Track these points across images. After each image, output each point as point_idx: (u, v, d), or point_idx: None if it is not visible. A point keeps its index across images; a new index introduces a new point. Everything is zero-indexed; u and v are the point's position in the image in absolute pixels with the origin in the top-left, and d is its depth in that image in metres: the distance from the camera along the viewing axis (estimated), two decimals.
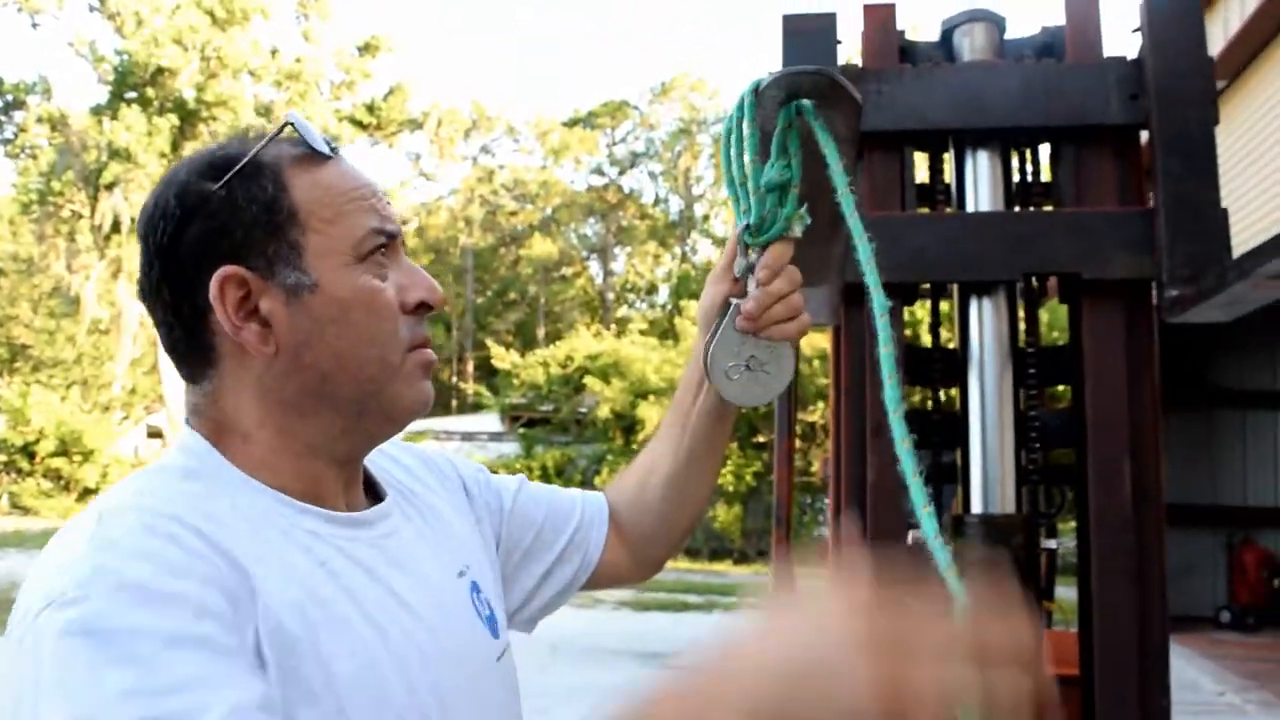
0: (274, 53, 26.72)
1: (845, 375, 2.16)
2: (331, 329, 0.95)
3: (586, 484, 22.84)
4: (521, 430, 24.93)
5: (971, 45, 2.29)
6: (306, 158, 0.98)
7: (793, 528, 2.75)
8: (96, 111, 25.23)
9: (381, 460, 1.14)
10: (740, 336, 1.12)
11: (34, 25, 26.15)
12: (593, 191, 48.28)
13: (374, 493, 1.09)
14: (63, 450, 24.63)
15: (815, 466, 15.39)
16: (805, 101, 1.07)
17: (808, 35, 2.21)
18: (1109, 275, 2.05)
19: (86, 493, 24.33)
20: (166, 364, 25.81)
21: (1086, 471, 2.09)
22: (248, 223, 0.94)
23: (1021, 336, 2.23)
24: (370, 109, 28.62)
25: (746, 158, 1.06)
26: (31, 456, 24.66)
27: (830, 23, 2.21)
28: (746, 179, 1.08)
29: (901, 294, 2.20)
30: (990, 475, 2.12)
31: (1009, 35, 2.35)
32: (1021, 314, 2.31)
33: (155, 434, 29.66)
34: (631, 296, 47.72)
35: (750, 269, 1.11)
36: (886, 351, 1.03)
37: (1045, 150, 2.34)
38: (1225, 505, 11.72)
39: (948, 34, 2.33)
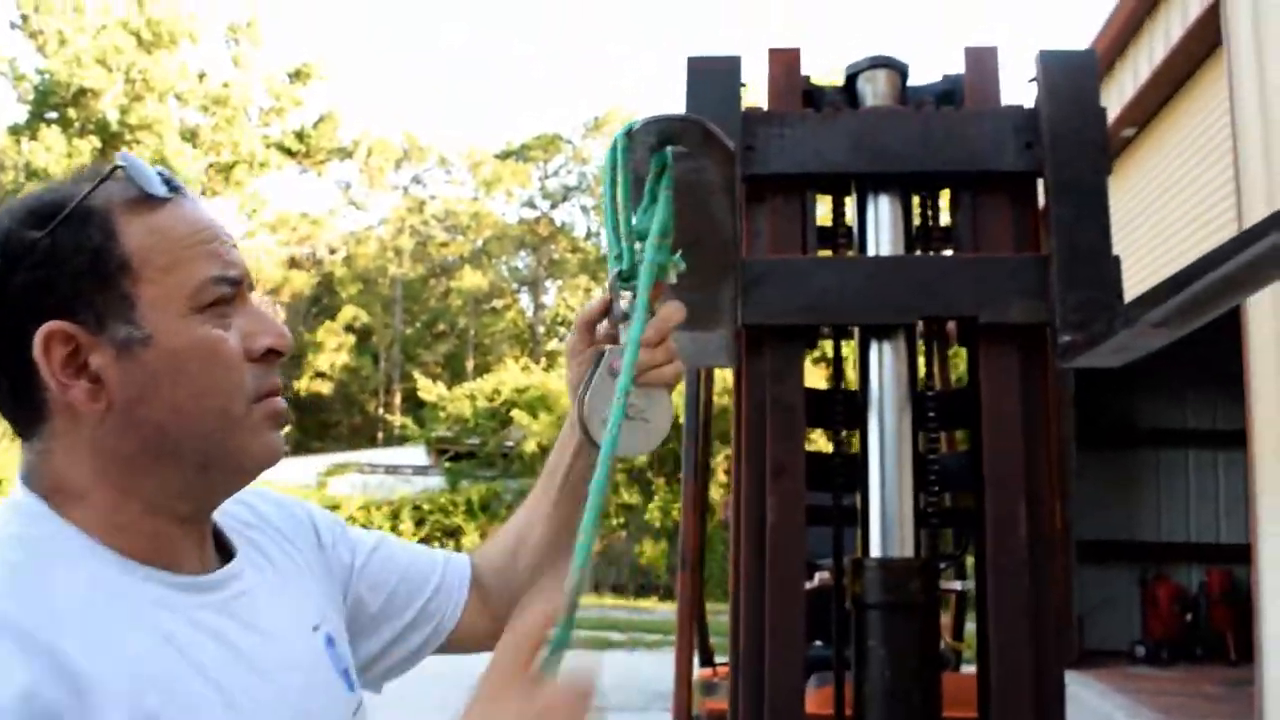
0: (201, 76, 26.35)
1: (746, 417, 2.15)
2: (167, 382, 0.91)
3: None
4: (447, 464, 24.67)
5: (874, 91, 2.31)
6: (141, 201, 0.94)
7: (700, 570, 2.72)
8: (15, 131, 24.62)
9: (234, 508, 1.09)
10: (612, 387, 1.09)
11: None
12: (524, 224, 48.26)
13: (224, 548, 1.04)
14: None
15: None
16: (669, 149, 1.05)
17: (712, 77, 2.21)
18: (1005, 320, 2.07)
19: None
20: None
21: (983, 517, 2.09)
22: (74, 274, 0.89)
23: (921, 380, 2.24)
24: (300, 136, 28.34)
25: (619, 202, 1.05)
26: None
27: (735, 65, 2.21)
28: (619, 223, 1.06)
29: (803, 336, 2.20)
30: (889, 518, 2.12)
31: (912, 82, 2.38)
32: (925, 357, 2.33)
33: None
34: (562, 330, 47.61)
35: (624, 316, 1.09)
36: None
37: (946, 195, 2.37)
38: (1141, 541, 12.01)
39: (851, 79, 2.35)
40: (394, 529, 23.02)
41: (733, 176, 1.09)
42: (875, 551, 2.12)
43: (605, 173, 1.06)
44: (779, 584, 2.06)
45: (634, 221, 1.06)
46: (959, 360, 2.64)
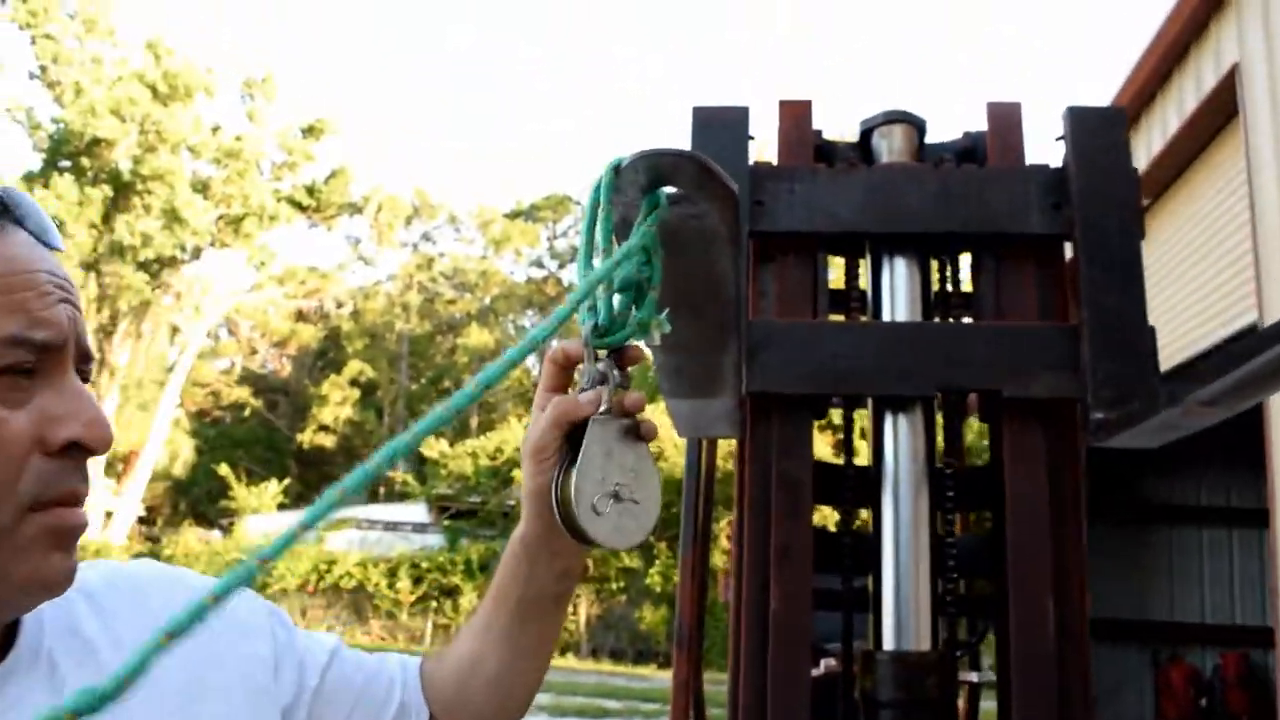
0: (215, 130, 26.55)
1: (749, 492, 1.98)
2: None
3: None
4: (447, 522, 24.38)
5: (890, 147, 2.18)
6: None
7: (698, 647, 2.53)
8: (29, 179, 24.76)
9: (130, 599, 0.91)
10: (604, 461, 0.91)
11: None
12: (532, 284, 48.38)
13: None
14: None
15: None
16: (664, 191, 0.90)
17: (719, 128, 2.08)
18: (1031, 394, 1.91)
19: None
20: None
21: (1007, 603, 1.92)
22: None
23: (939, 456, 2.08)
24: (310, 191, 28.47)
25: (598, 246, 0.89)
26: None
27: (743, 116, 2.09)
28: (584, 269, 0.91)
29: (812, 406, 2.04)
30: (904, 605, 1.95)
31: (930, 139, 2.25)
32: (944, 431, 2.17)
33: None
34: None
35: (603, 377, 0.93)
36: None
37: (966, 259, 2.23)
38: (1153, 621, 11.69)
39: (866, 135, 2.23)
40: (391, 586, 22.63)
41: (737, 224, 0.94)
42: (889, 642, 1.94)
43: (586, 213, 0.91)
44: (782, 676, 1.88)
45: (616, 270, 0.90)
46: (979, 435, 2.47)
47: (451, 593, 22.32)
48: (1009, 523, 1.92)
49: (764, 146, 2.25)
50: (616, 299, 0.89)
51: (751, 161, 2.09)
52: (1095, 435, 1.86)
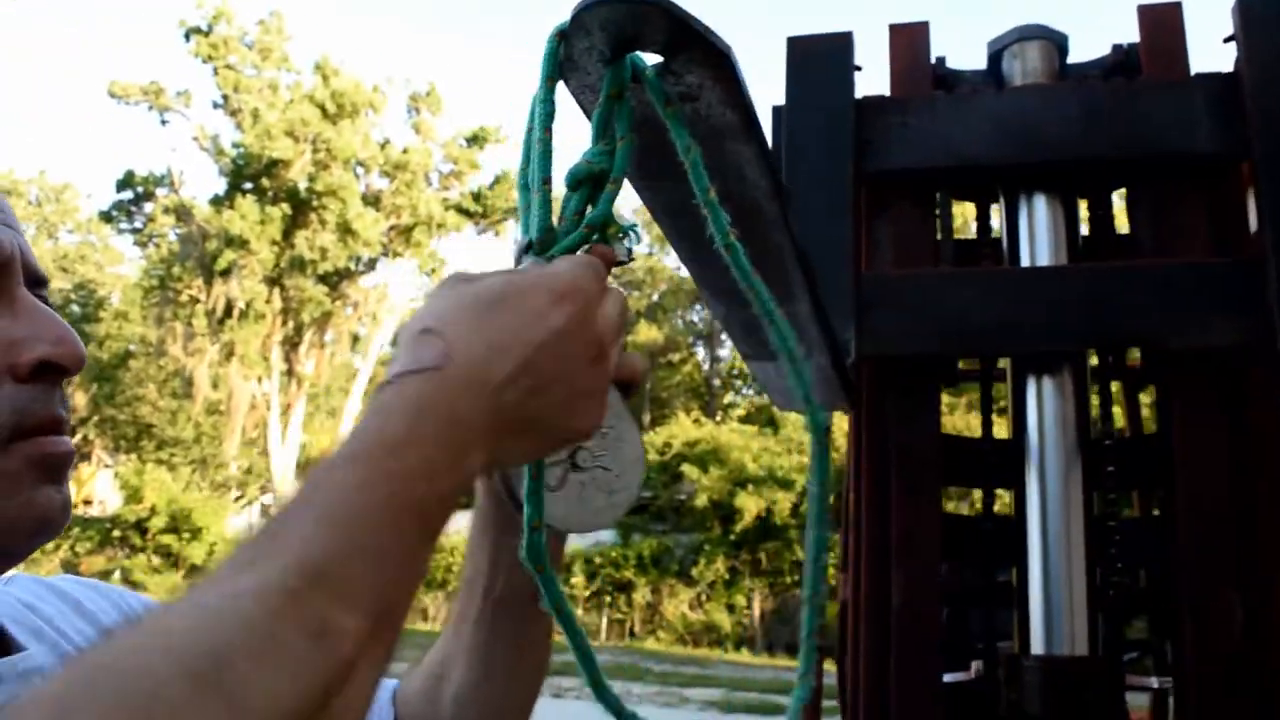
0: (384, 145, 27.48)
1: (866, 476, 1.73)
2: None
3: (683, 573, 22.20)
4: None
5: (1024, 69, 1.88)
6: None
7: (825, 653, 2.28)
8: (216, 202, 26.23)
9: (52, 601, 0.78)
10: None
11: (163, 122, 27.46)
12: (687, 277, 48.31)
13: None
14: (173, 527, 25.14)
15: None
16: (639, 59, 0.68)
17: (819, 60, 1.83)
18: (1204, 343, 1.59)
19: (194, 569, 24.76)
20: (275, 445, 26.36)
21: (1179, 598, 1.60)
22: None
23: (1095, 425, 1.77)
24: (477, 197, 29.11)
25: (536, 131, 0.68)
26: (144, 533, 25.20)
27: (845, 44, 1.83)
28: (550, 179, 0.68)
29: (938, 372, 1.76)
30: (1055, 602, 1.65)
31: (1072, 58, 1.94)
32: (1099, 396, 1.85)
33: (268, 512, 30.20)
34: (738, 383, 47.14)
35: None
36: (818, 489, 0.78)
37: (1119, 197, 1.90)
38: None
39: (995, 58, 1.93)
40: (566, 582, 22.91)
41: (746, 105, 0.71)
42: (1038, 645, 1.65)
43: (532, 101, 0.69)
44: (907, 682, 1.62)
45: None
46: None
47: (625, 587, 22.40)
48: (1180, 502, 1.60)
49: (873, 85, 1.98)
50: (568, 201, 0.67)
51: (858, 96, 1.83)
52: None
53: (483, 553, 0.79)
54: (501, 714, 0.84)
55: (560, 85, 0.69)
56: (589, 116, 0.71)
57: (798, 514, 21.00)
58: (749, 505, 20.66)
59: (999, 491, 1.84)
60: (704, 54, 0.66)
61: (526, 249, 0.67)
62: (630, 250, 0.69)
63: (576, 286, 0.60)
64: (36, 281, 0.70)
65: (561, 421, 0.59)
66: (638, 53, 0.68)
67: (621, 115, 0.68)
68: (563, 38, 0.67)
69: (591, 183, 0.68)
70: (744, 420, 29.37)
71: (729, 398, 44.09)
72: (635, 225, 0.69)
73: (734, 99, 0.70)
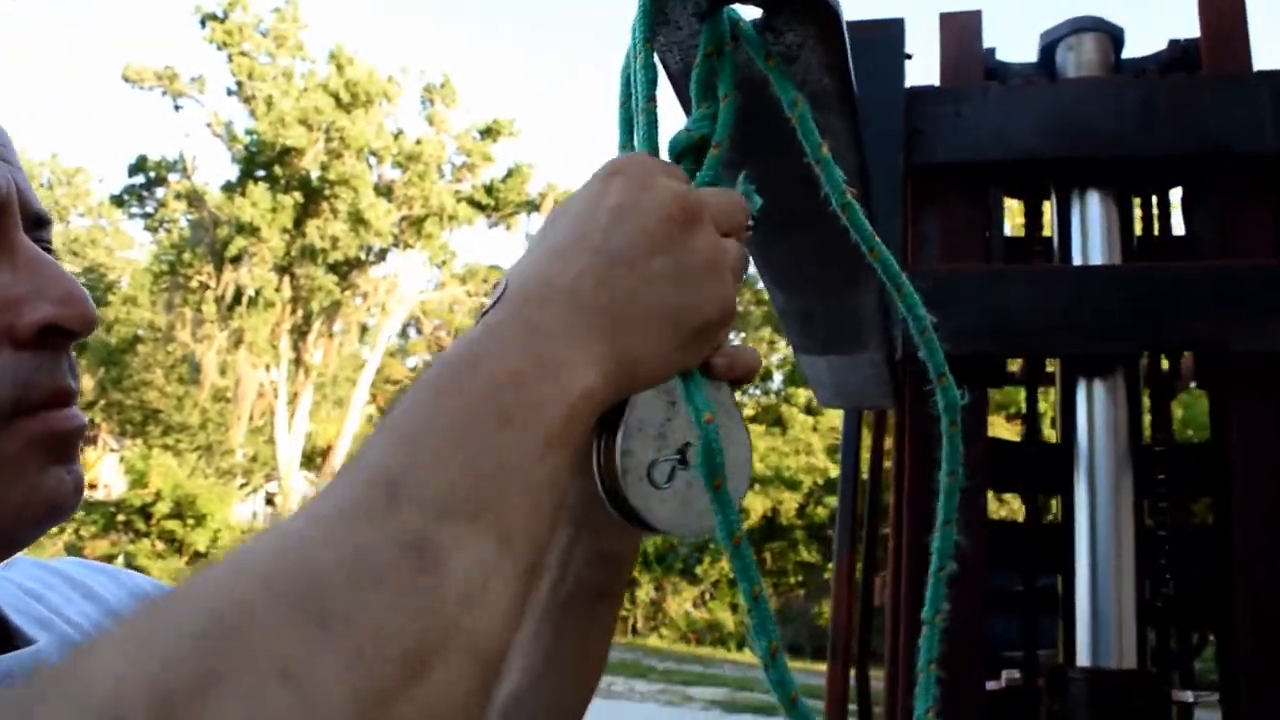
0: (397, 135, 27.46)
1: (908, 479, 1.67)
2: None
3: (687, 571, 22.15)
4: None
5: (1078, 62, 1.82)
6: None
7: (863, 657, 2.23)
8: (228, 189, 26.23)
9: (56, 585, 0.72)
10: (667, 411, 0.61)
11: (176, 108, 27.46)
12: None
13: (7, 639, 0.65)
14: (177, 513, 25.18)
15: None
16: (737, 10, 0.62)
17: (868, 46, 1.77)
18: (1265, 348, 1.53)
19: (197, 556, 24.80)
20: (282, 433, 26.36)
21: (1235, 611, 1.55)
22: None
23: (1147, 430, 1.71)
24: (489, 190, 29.08)
25: (638, 100, 0.61)
26: (148, 518, 25.23)
27: (897, 31, 1.77)
28: (633, 135, 0.62)
29: (986, 372, 1.71)
30: (1103, 613, 1.60)
31: (1128, 53, 1.88)
32: (1151, 400, 1.79)
33: (272, 500, 30.23)
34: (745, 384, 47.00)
35: None
36: (950, 480, 0.71)
37: (1176, 196, 1.85)
38: None
39: (1048, 50, 1.87)
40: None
41: (846, 72, 0.66)
42: (1083, 656, 1.59)
43: (622, 76, 0.63)
44: (950, 690, 1.56)
45: (681, 130, 0.62)
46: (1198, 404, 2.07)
47: (629, 584, 22.46)
48: (1237, 511, 1.54)
49: (923, 73, 1.93)
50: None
51: (908, 85, 1.77)
52: None
53: (556, 546, 0.73)
54: (556, 714, 0.79)
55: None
56: (672, 77, 0.66)
57: (804, 514, 20.97)
58: (755, 505, 20.62)
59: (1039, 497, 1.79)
60: (807, 9, 0.61)
61: None
62: (758, 206, 0.63)
63: (626, 161, 0.55)
64: (38, 222, 0.62)
65: (675, 300, 0.52)
66: (734, 7, 0.63)
67: (723, 73, 0.62)
68: None
69: (694, 152, 0.62)
70: (751, 420, 29.31)
71: (736, 397, 43.98)
72: (752, 187, 0.63)
73: (835, 62, 0.65)
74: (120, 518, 25.52)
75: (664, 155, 0.63)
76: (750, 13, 0.63)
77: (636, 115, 0.61)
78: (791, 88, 0.62)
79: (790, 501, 20.81)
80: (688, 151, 0.62)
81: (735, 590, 21.19)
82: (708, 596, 21.84)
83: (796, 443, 22.78)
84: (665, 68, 0.66)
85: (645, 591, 22.24)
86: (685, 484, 0.61)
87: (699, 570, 21.75)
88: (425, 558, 0.38)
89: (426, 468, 0.41)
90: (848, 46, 0.64)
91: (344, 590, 0.35)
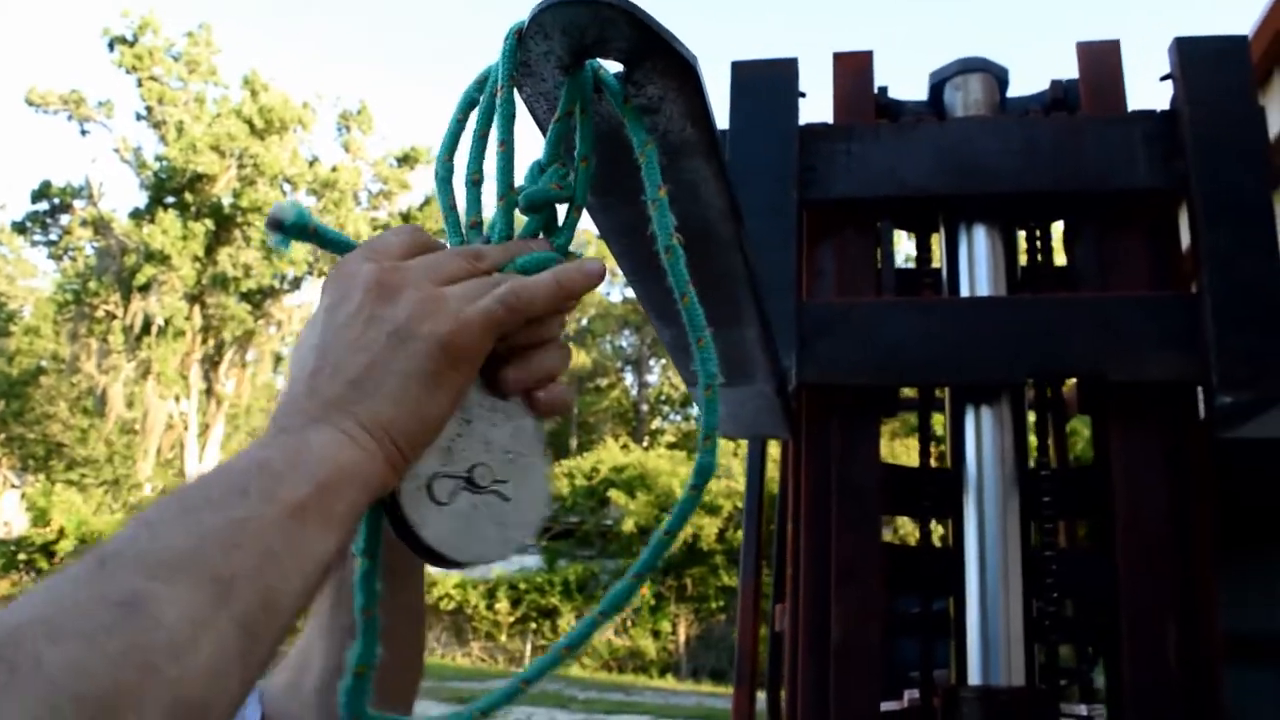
0: (312, 162, 27.12)
1: (806, 506, 1.71)
2: None
3: None
4: (545, 543, 24.31)
5: (965, 101, 1.89)
6: None
7: (761, 684, 2.26)
8: (136, 216, 25.62)
9: None
10: (461, 426, 0.60)
11: (83, 132, 26.78)
12: (628, 303, 48.38)
13: None
14: (82, 551, 24.36)
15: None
16: (600, 66, 0.64)
17: (763, 85, 1.82)
18: (1143, 377, 1.60)
19: None
20: (193, 466, 25.65)
21: (1120, 629, 1.60)
22: None
23: (1033, 455, 1.77)
24: (406, 218, 28.87)
25: (493, 144, 0.63)
26: (51, 556, 24.33)
27: (789, 70, 1.82)
28: (479, 179, 0.64)
29: (879, 400, 1.75)
30: (992, 632, 1.64)
31: (1013, 92, 1.96)
32: (1037, 427, 1.86)
33: None
34: (666, 409, 47.21)
35: None
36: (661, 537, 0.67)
37: (1058, 230, 1.92)
38: None
39: (937, 89, 1.94)
40: (490, 608, 22.62)
41: (709, 122, 0.68)
42: (975, 675, 1.64)
43: (464, 98, 0.65)
44: (846, 712, 1.59)
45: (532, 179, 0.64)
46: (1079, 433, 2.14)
47: (550, 613, 22.21)
48: (1120, 532, 1.61)
49: (817, 111, 1.98)
50: (526, 222, 0.63)
51: (801, 123, 1.82)
52: (1222, 425, 1.54)
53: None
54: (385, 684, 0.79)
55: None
56: (540, 125, 0.67)
57: (724, 539, 21.05)
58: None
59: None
60: (668, 64, 0.63)
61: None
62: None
63: (337, 267, 0.59)
64: None
65: (396, 357, 0.55)
66: (598, 60, 0.65)
67: (584, 134, 0.64)
68: (520, 37, 0.63)
69: (544, 206, 0.64)
70: (671, 446, 29.40)
71: (656, 423, 44.14)
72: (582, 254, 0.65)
73: (697, 113, 0.67)
74: (21, 556, 24.56)
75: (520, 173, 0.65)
76: (613, 66, 0.65)
77: (495, 149, 0.63)
78: (643, 132, 0.64)
79: (711, 527, 20.88)
80: (540, 205, 0.64)
81: (656, 617, 21.10)
82: (629, 624, 21.77)
83: (718, 468, 22.94)
84: (533, 115, 0.68)
85: (566, 621, 22.09)
86: (469, 506, 0.59)
87: None
88: (132, 611, 0.40)
89: (146, 537, 0.44)
90: (707, 97, 0.66)
91: (36, 640, 0.38)
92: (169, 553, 0.43)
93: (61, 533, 24.11)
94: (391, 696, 0.78)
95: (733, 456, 23.54)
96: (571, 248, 0.67)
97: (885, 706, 1.83)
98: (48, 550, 24.24)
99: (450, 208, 0.65)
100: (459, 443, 0.59)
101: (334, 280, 0.58)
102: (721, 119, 1.83)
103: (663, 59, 0.63)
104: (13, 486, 30.21)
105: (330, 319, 0.56)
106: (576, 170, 0.64)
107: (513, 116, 0.63)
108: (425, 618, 0.81)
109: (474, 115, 0.64)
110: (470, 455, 0.59)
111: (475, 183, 0.64)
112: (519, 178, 0.65)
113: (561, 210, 0.67)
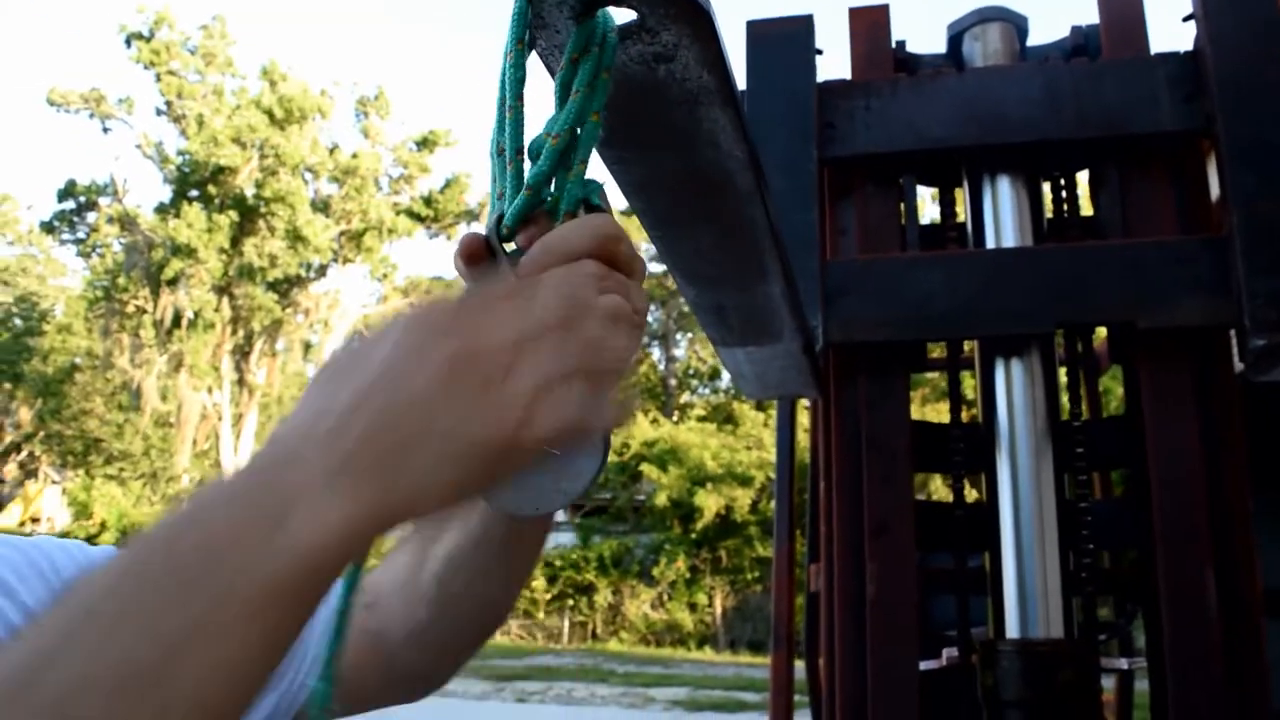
0: (333, 150, 27.18)
1: (836, 464, 1.70)
2: None
3: (644, 573, 22.18)
4: (579, 519, 24.43)
5: (985, 51, 1.87)
6: None
7: (795, 648, 2.26)
8: (161, 210, 25.80)
9: None
10: None
11: (105, 130, 26.96)
12: (652, 279, 48.30)
13: None
14: (124, 543, 24.70)
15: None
16: (606, 13, 0.64)
17: (778, 43, 1.80)
18: (1173, 323, 1.58)
19: None
20: (228, 456, 25.93)
21: (1156, 578, 1.59)
22: None
23: (1065, 406, 1.76)
24: (428, 201, 28.90)
25: (506, 104, 0.63)
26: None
27: (805, 27, 1.80)
28: (523, 148, 0.63)
29: (906, 357, 1.74)
30: (1029, 586, 1.64)
31: (1032, 41, 1.93)
32: (1068, 378, 1.84)
33: None
34: (694, 382, 47.18)
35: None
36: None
37: (1084, 179, 1.90)
38: None
39: (955, 40, 1.91)
40: (526, 586, 22.83)
41: (725, 68, 0.67)
42: (1012, 629, 1.63)
43: (502, 64, 0.65)
44: (883, 674, 1.60)
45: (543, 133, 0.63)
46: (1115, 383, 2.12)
47: (586, 590, 22.35)
48: (1154, 481, 1.59)
49: (834, 68, 1.96)
50: (535, 173, 0.63)
51: (819, 80, 1.81)
52: (1255, 368, 1.52)
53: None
54: (496, 580, 0.80)
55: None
56: (555, 79, 0.67)
57: (757, 510, 21.07)
58: (708, 503, 20.67)
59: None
60: (680, 9, 0.63)
61: (496, 223, 0.62)
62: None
63: (406, 319, 0.51)
64: None
65: (460, 428, 0.48)
66: (610, 9, 0.64)
67: (587, 76, 0.64)
68: None
69: (556, 155, 0.63)
70: (702, 419, 29.41)
71: (685, 397, 44.12)
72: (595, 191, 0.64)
73: (712, 59, 0.67)
74: None
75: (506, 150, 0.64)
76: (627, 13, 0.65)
77: (505, 113, 0.63)
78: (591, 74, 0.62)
79: (744, 498, 20.91)
80: (550, 154, 0.62)
81: (692, 590, 21.19)
82: (665, 598, 21.87)
83: (748, 438, 22.92)
84: (548, 69, 0.67)
85: (603, 596, 22.22)
86: (528, 470, 0.57)
87: (655, 572, 21.78)
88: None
89: (82, 634, 0.41)
90: (722, 42, 0.65)
91: None
92: (92, 656, 0.41)
93: (103, 526, 24.47)
94: (483, 600, 0.79)
95: (764, 428, 23.55)
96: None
97: (924, 665, 1.83)
98: (90, 543, 24.56)
99: (497, 177, 0.64)
100: None
101: (405, 328, 0.50)
102: (739, 79, 1.81)
103: (675, 4, 0.62)
104: (53, 483, 30.68)
105: (385, 371, 0.49)
106: (587, 122, 0.63)
107: (522, 79, 0.62)
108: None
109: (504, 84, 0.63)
110: None
111: (519, 151, 0.62)
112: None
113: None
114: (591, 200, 0.62)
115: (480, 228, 0.62)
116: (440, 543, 0.79)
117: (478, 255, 0.61)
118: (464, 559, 0.78)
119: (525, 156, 0.62)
